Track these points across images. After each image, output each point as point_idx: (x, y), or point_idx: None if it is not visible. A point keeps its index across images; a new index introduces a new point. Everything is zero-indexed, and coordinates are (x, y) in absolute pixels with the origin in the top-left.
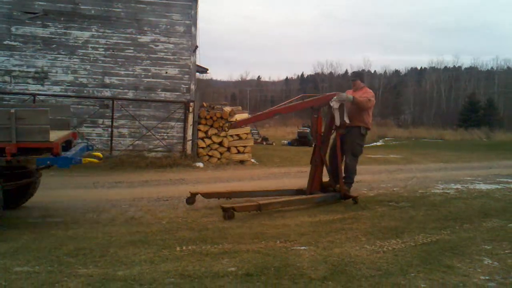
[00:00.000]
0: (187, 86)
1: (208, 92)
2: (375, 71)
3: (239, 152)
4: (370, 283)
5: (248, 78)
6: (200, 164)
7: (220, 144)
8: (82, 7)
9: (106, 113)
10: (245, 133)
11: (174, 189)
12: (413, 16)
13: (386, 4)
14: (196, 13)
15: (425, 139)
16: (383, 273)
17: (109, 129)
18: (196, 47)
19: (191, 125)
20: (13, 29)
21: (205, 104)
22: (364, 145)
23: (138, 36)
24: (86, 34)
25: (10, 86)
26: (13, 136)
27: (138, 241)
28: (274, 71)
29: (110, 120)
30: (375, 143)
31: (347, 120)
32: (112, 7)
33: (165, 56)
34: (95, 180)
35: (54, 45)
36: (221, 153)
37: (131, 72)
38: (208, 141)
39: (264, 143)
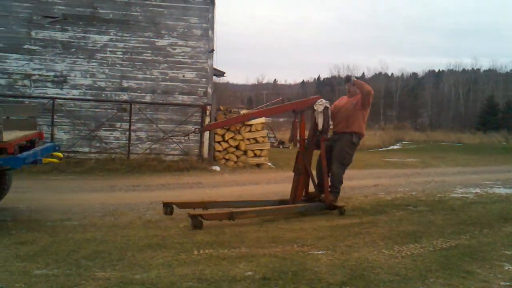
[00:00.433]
0: (204, 90)
1: (225, 95)
2: (392, 73)
3: (255, 155)
4: None
5: (264, 81)
6: (217, 168)
7: (237, 147)
8: (100, 11)
9: (124, 116)
10: (261, 137)
11: (191, 192)
12: (430, 18)
13: (402, 6)
14: (213, 16)
15: (443, 142)
16: (401, 278)
17: (127, 133)
18: (213, 50)
19: None
20: (33, 33)
21: (222, 108)
22: (354, 155)
23: (156, 40)
24: (105, 38)
25: (30, 90)
26: None
27: (156, 244)
28: (290, 74)
29: (128, 123)
30: (392, 147)
31: (331, 123)
32: (130, 11)
33: (182, 60)
34: (113, 184)
35: (73, 49)
36: (237, 157)
37: (149, 76)
38: (224, 145)
39: (281, 146)
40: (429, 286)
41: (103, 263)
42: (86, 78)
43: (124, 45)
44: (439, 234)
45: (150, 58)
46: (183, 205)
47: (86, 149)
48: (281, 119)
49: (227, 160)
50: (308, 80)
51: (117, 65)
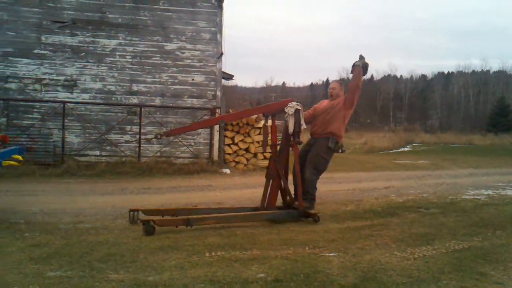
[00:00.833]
0: (213, 93)
1: (234, 98)
2: (401, 75)
3: (265, 158)
4: None
5: (273, 84)
6: (227, 170)
7: (247, 150)
8: (109, 15)
9: (134, 120)
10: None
11: (202, 195)
12: (439, 19)
13: (411, 8)
14: (221, 20)
15: (454, 144)
16: (414, 280)
17: (137, 136)
18: (222, 54)
19: (217, 131)
20: (43, 38)
21: (231, 110)
22: (330, 161)
23: (165, 44)
24: (114, 42)
25: (40, 94)
26: None
27: (168, 246)
28: (299, 77)
29: (138, 127)
30: (402, 149)
31: (303, 126)
32: (139, 15)
33: (191, 63)
34: (124, 186)
35: (83, 53)
36: (247, 159)
37: (158, 79)
38: (234, 147)
39: (291, 149)
40: None
41: (116, 265)
42: (96, 82)
43: (133, 49)
44: (451, 236)
45: (159, 62)
46: (150, 212)
47: (97, 153)
48: None
49: (237, 163)
50: (317, 83)
51: (127, 69)
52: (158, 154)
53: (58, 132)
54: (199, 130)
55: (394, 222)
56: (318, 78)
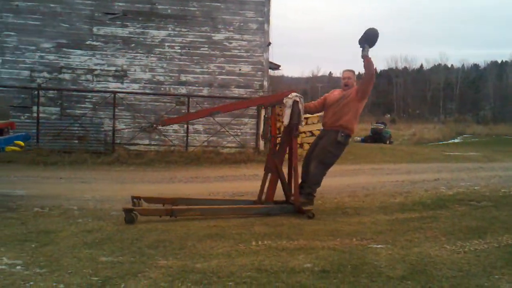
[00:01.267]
0: (260, 83)
1: (280, 88)
2: (452, 65)
3: None
4: (451, 284)
5: (320, 74)
6: None
7: None
8: (159, 7)
9: (182, 109)
10: (317, 130)
11: (248, 184)
12: (493, 7)
13: None
14: (269, 10)
15: (507, 136)
16: (464, 274)
17: (185, 126)
18: (269, 43)
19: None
20: (94, 29)
21: None
22: (340, 155)
23: (213, 34)
24: (163, 33)
25: (92, 84)
26: None
27: (215, 234)
28: (346, 67)
29: None
30: (452, 140)
31: (302, 120)
32: (188, 6)
33: (238, 54)
34: (172, 175)
35: (133, 44)
36: None
37: (206, 70)
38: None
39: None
40: (494, 283)
41: (165, 251)
42: (146, 73)
43: (182, 39)
44: (504, 230)
45: (207, 52)
46: (151, 199)
47: (146, 142)
48: None
49: None
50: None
51: (175, 60)
52: (205, 143)
53: (109, 121)
54: (246, 120)
55: (444, 214)
56: None
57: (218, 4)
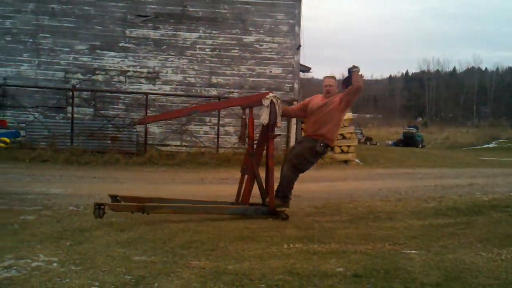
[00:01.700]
0: (290, 85)
1: (311, 91)
2: (486, 68)
3: (342, 151)
4: None
5: None
6: None
7: None
8: (190, 9)
9: (213, 111)
10: (349, 133)
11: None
12: None
13: None
14: (299, 12)
15: None
16: (501, 283)
17: (216, 127)
18: (300, 46)
19: (294, 123)
20: (127, 31)
21: None
22: (315, 163)
23: (243, 36)
24: (194, 35)
25: (125, 85)
26: None
27: (247, 236)
28: (377, 69)
29: (217, 118)
30: (487, 145)
31: (278, 121)
32: (219, 9)
33: (269, 56)
34: (203, 176)
35: (164, 46)
36: None
37: (237, 72)
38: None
39: (368, 143)
40: None
41: (197, 252)
42: (177, 74)
43: (213, 42)
44: None
45: (237, 54)
46: (126, 198)
47: (177, 143)
48: (368, 115)
49: None
50: (395, 75)
51: (206, 62)
52: (236, 145)
53: None
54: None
55: (479, 221)
56: (397, 70)
57: (249, 7)
